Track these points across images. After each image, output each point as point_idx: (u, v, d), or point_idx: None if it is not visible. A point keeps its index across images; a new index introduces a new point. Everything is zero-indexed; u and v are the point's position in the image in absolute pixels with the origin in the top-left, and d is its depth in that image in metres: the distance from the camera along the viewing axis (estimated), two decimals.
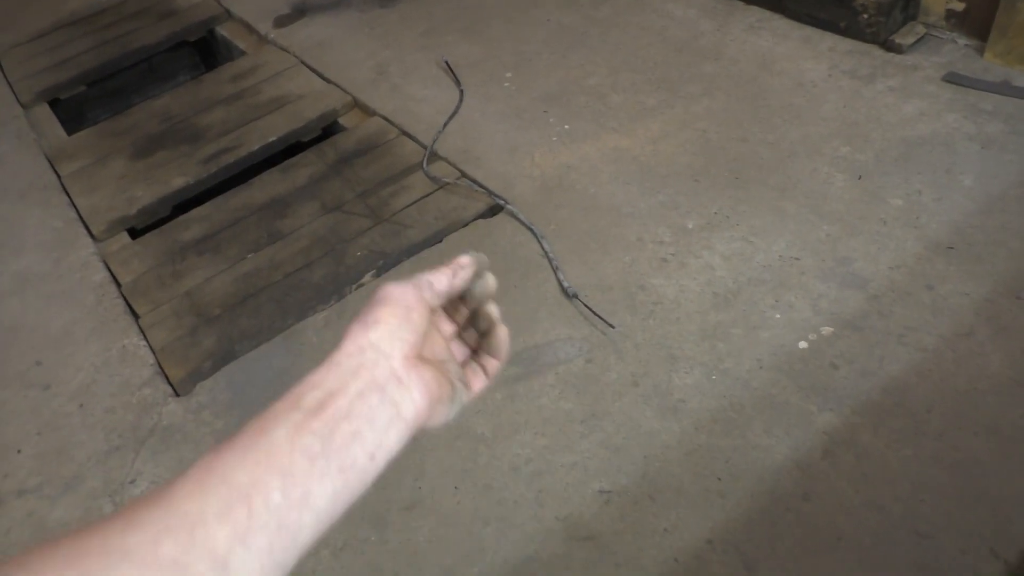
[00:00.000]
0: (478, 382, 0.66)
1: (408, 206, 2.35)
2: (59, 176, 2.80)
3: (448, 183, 2.40)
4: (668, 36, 2.85)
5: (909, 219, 2.01)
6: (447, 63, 2.90)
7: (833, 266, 1.94)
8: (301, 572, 1.66)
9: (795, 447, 1.59)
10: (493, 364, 0.67)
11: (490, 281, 0.65)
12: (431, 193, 2.38)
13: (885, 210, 2.05)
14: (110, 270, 2.37)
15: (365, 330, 0.56)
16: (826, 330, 1.80)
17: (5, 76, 3.46)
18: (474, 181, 2.39)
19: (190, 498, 0.45)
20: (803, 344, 1.78)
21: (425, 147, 2.55)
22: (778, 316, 1.85)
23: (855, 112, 2.36)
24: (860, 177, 2.15)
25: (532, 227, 2.18)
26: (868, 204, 2.08)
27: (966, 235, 1.95)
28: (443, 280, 0.61)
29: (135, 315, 2.20)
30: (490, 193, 2.33)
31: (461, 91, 2.77)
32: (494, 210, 2.30)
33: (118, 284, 2.31)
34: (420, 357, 0.57)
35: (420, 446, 1.73)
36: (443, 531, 1.58)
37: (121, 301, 2.25)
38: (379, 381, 0.54)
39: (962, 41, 2.51)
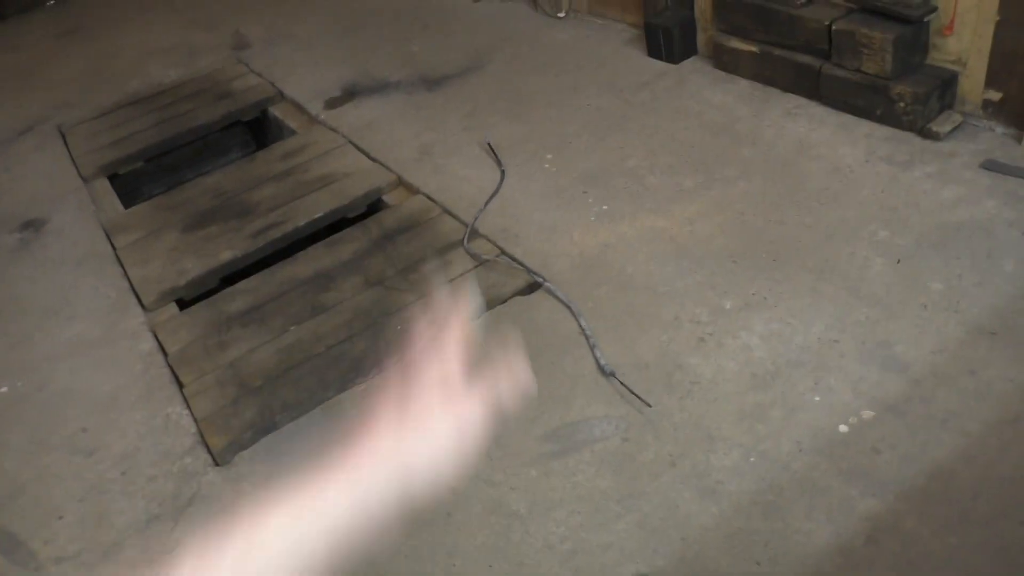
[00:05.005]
0: None
1: (449, 282, 2.39)
2: (114, 247, 2.90)
3: (488, 260, 2.45)
4: (705, 121, 2.91)
5: (950, 303, 2.00)
6: (489, 144, 2.99)
7: (873, 349, 1.93)
8: None
9: (837, 533, 1.56)
10: None
11: None
12: (471, 269, 2.43)
13: (925, 294, 2.05)
14: (158, 339, 2.44)
15: None
16: (867, 414, 1.78)
17: (69, 151, 3.63)
18: (513, 258, 2.44)
19: None
20: (843, 427, 1.76)
21: (466, 225, 2.61)
22: (817, 399, 1.84)
23: (893, 197, 2.38)
24: (899, 261, 2.15)
25: (570, 304, 2.21)
26: (908, 288, 2.07)
27: (1008, 320, 1.93)
28: None
29: (180, 384, 2.25)
30: (529, 271, 2.37)
31: (502, 171, 2.85)
32: (532, 287, 2.33)
33: (165, 353, 2.37)
34: None
35: (454, 522, 1.72)
36: None
37: (167, 370, 2.31)
38: None
39: (999, 129, 2.53)
